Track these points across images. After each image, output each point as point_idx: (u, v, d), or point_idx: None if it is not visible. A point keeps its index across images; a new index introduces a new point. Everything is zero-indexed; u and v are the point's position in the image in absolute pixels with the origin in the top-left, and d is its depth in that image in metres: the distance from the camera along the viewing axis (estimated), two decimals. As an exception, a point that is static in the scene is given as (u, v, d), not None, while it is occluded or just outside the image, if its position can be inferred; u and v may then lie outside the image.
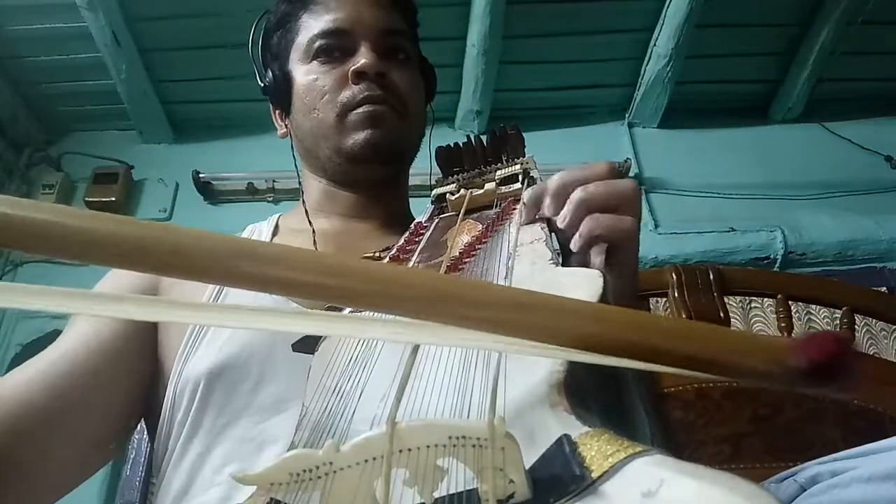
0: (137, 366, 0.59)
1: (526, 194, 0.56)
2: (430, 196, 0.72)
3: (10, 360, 1.88)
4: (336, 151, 0.69)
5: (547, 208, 0.52)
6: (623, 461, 0.24)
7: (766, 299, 1.67)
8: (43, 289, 0.25)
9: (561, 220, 0.50)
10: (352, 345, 0.44)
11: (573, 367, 0.31)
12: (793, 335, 1.19)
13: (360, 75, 0.67)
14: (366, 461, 0.27)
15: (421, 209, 0.72)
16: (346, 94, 0.68)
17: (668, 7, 2.03)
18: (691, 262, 1.99)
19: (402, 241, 0.61)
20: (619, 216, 0.49)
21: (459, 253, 0.53)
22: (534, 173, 0.65)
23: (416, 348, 0.33)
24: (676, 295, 1.13)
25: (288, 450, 0.29)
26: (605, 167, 0.51)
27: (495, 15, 1.99)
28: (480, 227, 0.58)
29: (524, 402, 0.30)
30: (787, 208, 2.16)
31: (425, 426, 0.27)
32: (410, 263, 0.55)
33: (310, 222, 0.71)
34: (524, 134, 0.70)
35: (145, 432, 0.87)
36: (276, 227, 0.73)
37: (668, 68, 2.14)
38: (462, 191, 0.67)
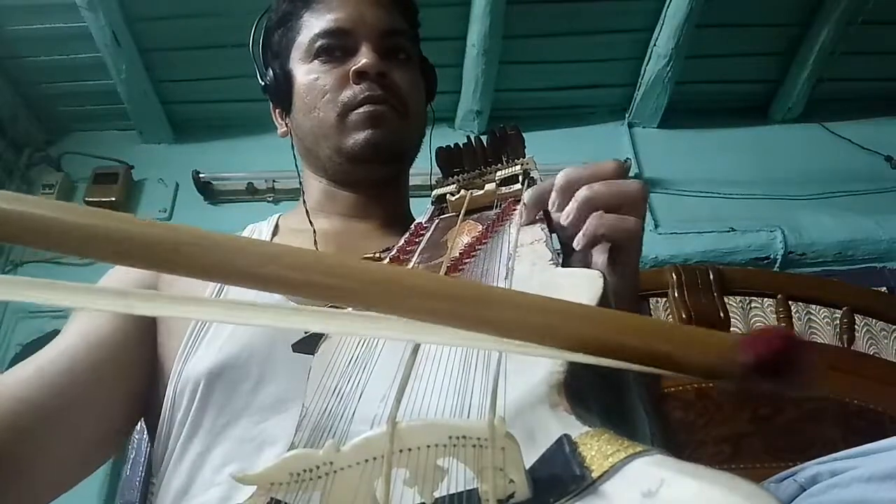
0: (137, 364, 0.59)
1: (527, 195, 0.56)
2: (430, 196, 0.72)
3: (10, 360, 1.89)
4: (336, 151, 0.69)
5: (551, 204, 0.52)
6: (623, 461, 0.24)
7: (766, 299, 1.67)
8: (47, 282, 0.25)
9: (565, 218, 0.50)
10: (352, 345, 0.44)
11: (573, 367, 0.31)
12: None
13: (361, 75, 0.67)
14: (366, 461, 0.27)
15: (421, 209, 0.72)
16: (346, 94, 0.68)
17: (668, 7, 2.03)
18: (691, 262, 1.99)
19: (402, 241, 0.61)
20: (623, 216, 0.49)
21: (460, 253, 0.53)
22: (534, 174, 0.65)
23: (416, 348, 0.33)
24: (676, 295, 1.13)
25: (288, 450, 0.29)
26: (613, 166, 0.51)
27: (495, 15, 1.99)
28: (481, 227, 0.58)
29: (524, 402, 0.30)
30: (787, 208, 2.16)
31: (425, 426, 0.27)
32: (410, 264, 0.55)
33: (310, 222, 0.71)
34: (524, 134, 0.70)
35: (145, 432, 0.87)
36: (277, 227, 0.73)
37: (668, 68, 2.14)
38: (462, 191, 0.67)
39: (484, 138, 0.72)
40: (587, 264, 0.52)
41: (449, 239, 0.57)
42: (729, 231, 2.10)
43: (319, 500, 0.27)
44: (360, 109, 0.67)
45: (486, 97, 2.22)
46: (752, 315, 1.82)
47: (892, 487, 0.40)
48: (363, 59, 0.67)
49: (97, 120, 2.33)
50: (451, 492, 0.26)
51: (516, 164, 0.67)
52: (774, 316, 1.19)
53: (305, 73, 0.71)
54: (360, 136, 0.67)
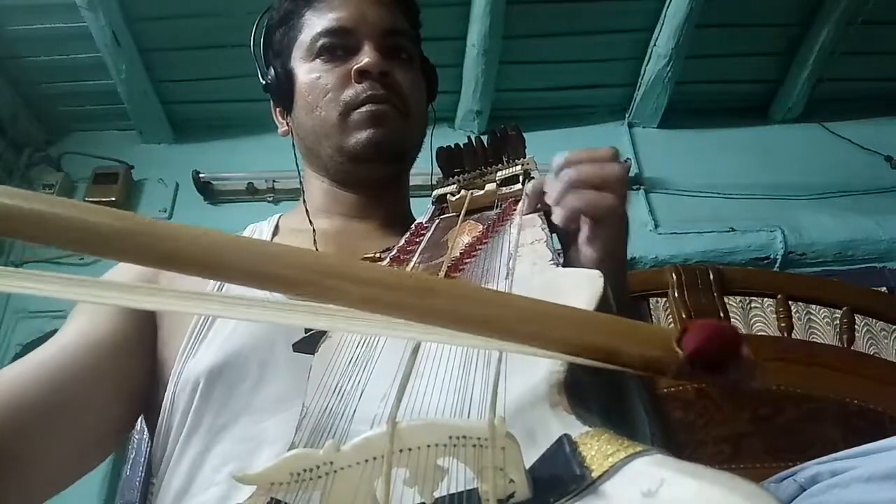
0: (136, 362, 0.59)
1: (528, 186, 0.57)
2: (430, 196, 0.72)
3: (10, 360, 1.89)
4: (338, 150, 0.69)
5: (546, 185, 0.55)
6: (623, 461, 0.24)
7: (766, 299, 1.67)
8: (50, 275, 0.25)
9: (550, 197, 0.53)
10: (352, 345, 0.44)
11: (573, 367, 0.31)
12: (793, 335, 1.19)
13: (363, 74, 0.67)
14: (366, 461, 0.27)
15: (421, 209, 0.72)
16: (348, 93, 0.68)
17: (668, 7, 2.03)
18: (691, 262, 1.99)
19: (402, 241, 0.61)
20: (601, 193, 0.51)
21: (460, 253, 0.53)
22: (534, 174, 0.65)
23: (416, 348, 0.33)
24: (676, 295, 1.13)
25: (288, 450, 0.29)
26: (607, 152, 0.54)
27: (495, 15, 1.99)
28: (481, 227, 0.59)
29: (524, 402, 0.30)
30: (787, 208, 2.16)
31: (426, 426, 0.27)
32: (411, 264, 0.55)
33: (310, 222, 0.71)
34: (524, 134, 0.70)
35: (145, 432, 0.87)
36: (277, 227, 0.73)
37: (668, 68, 2.14)
38: (463, 191, 0.67)
39: (484, 138, 0.72)
40: (568, 240, 0.55)
41: (449, 239, 0.57)
42: (729, 231, 2.10)
43: (319, 499, 0.27)
44: (362, 109, 0.67)
45: (486, 97, 2.22)
46: (752, 315, 1.82)
47: (891, 487, 0.40)
48: (365, 58, 0.67)
49: (97, 120, 2.33)
50: (451, 491, 0.26)
51: (517, 165, 0.67)
52: (774, 316, 1.19)
53: (307, 71, 0.71)
54: (361, 136, 0.67)
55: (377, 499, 0.26)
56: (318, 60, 0.70)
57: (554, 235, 0.54)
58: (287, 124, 0.76)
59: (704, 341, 0.24)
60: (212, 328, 0.58)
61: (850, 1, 2.05)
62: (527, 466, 0.26)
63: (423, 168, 0.76)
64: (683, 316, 1.10)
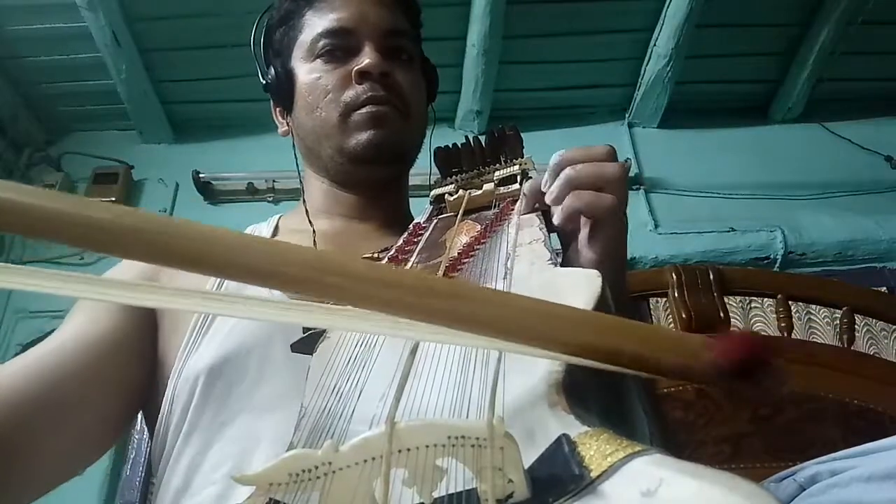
0: (136, 360, 0.59)
1: (526, 185, 0.57)
2: (429, 196, 0.72)
3: (9, 359, 1.88)
4: (338, 151, 0.69)
5: (544, 185, 0.55)
6: (622, 460, 0.24)
7: (766, 299, 1.67)
8: (50, 272, 0.25)
9: (549, 196, 0.53)
10: (351, 344, 0.44)
11: (572, 366, 0.31)
12: (793, 335, 1.19)
13: (363, 75, 0.67)
14: (365, 461, 0.27)
15: (421, 209, 0.72)
16: (349, 94, 0.68)
17: (668, 7, 2.03)
18: (691, 262, 1.99)
19: (400, 241, 0.61)
20: (600, 194, 0.51)
21: (458, 253, 0.53)
22: (532, 174, 0.65)
23: (415, 348, 0.33)
24: (676, 295, 1.13)
25: (287, 450, 0.29)
26: (604, 150, 0.54)
27: (495, 15, 1.99)
28: (479, 227, 0.59)
29: (523, 402, 0.30)
30: (787, 208, 2.16)
31: (424, 426, 0.27)
32: (409, 264, 0.55)
33: (310, 222, 0.70)
34: (524, 134, 0.70)
35: (145, 432, 0.87)
36: (277, 227, 0.73)
37: (668, 68, 2.14)
38: (460, 191, 0.67)
39: (482, 138, 0.72)
40: (568, 241, 0.55)
41: (447, 239, 0.57)
42: (729, 231, 2.10)
43: (318, 500, 0.26)
44: (363, 110, 0.67)
45: (486, 97, 2.22)
46: (752, 315, 1.82)
47: (891, 487, 0.40)
48: (366, 59, 0.67)
49: (97, 120, 2.33)
50: (450, 492, 0.26)
51: (514, 164, 0.67)
52: (774, 316, 1.19)
53: (307, 72, 0.70)
54: (362, 137, 0.67)
55: (376, 499, 0.26)
56: (318, 61, 0.70)
57: (553, 235, 0.54)
58: (287, 124, 0.76)
59: (736, 350, 0.24)
60: (211, 328, 0.58)
61: (850, 1, 2.05)
62: (525, 466, 0.25)
63: (423, 168, 0.76)
64: (683, 316, 1.10)
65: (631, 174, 2.20)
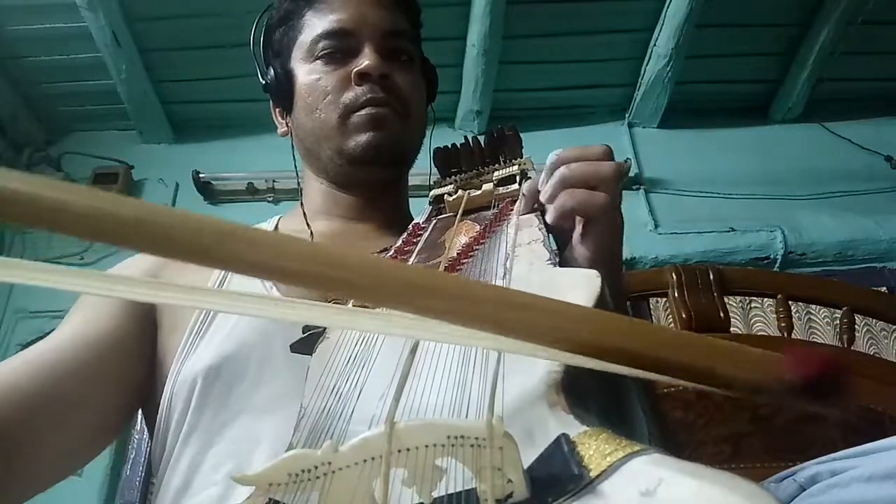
0: (136, 359, 0.59)
1: (525, 186, 0.58)
2: (428, 196, 0.72)
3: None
4: (338, 153, 0.69)
5: (540, 184, 0.55)
6: (621, 460, 0.24)
7: (766, 299, 1.67)
8: (49, 266, 0.25)
9: (543, 195, 0.54)
10: (350, 344, 0.44)
11: (571, 366, 0.31)
12: (793, 335, 1.19)
13: (363, 77, 0.67)
14: (364, 461, 0.27)
15: (420, 209, 0.72)
16: (348, 96, 0.67)
17: (668, 7, 2.03)
18: (691, 262, 1.99)
19: (399, 241, 0.61)
20: (593, 192, 0.52)
21: (457, 254, 0.53)
22: (531, 174, 0.65)
23: (414, 347, 0.33)
24: (676, 295, 1.13)
25: (286, 450, 0.29)
26: (601, 150, 0.54)
27: (495, 15, 1.99)
28: (478, 227, 0.59)
29: (522, 402, 0.30)
30: (787, 208, 2.16)
31: (424, 426, 0.27)
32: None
33: (307, 224, 0.70)
34: (524, 134, 0.70)
35: (145, 432, 0.87)
36: (276, 229, 0.73)
37: (668, 68, 2.14)
38: (460, 192, 0.67)
39: (482, 139, 0.72)
40: (565, 239, 0.56)
41: (447, 239, 0.57)
42: (729, 231, 2.10)
43: (318, 500, 0.26)
44: (362, 112, 0.67)
45: (486, 97, 2.22)
46: (752, 315, 1.82)
47: (892, 487, 0.39)
48: (365, 60, 0.67)
49: (97, 120, 2.33)
50: (449, 491, 0.26)
51: (514, 165, 0.67)
52: (774, 316, 1.19)
53: (307, 73, 0.70)
54: (361, 139, 0.67)
55: (375, 499, 0.26)
56: (317, 62, 0.70)
57: (550, 235, 0.54)
58: (287, 125, 0.76)
59: (808, 366, 0.24)
60: (210, 328, 0.58)
61: (850, 1, 2.05)
62: (525, 466, 0.25)
63: (422, 168, 0.76)
64: (683, 316, 1.10)
65: (631, 174, 2.21)
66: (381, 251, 0.64)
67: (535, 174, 0.64)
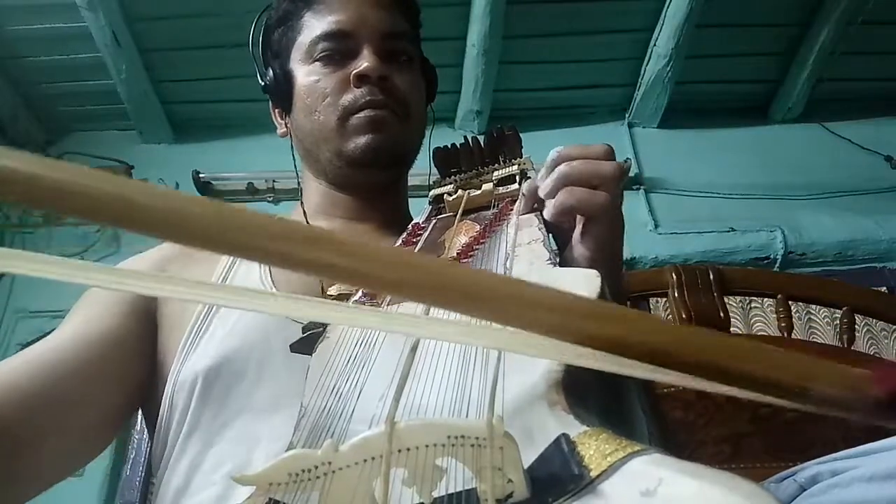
0: (136, 358, 0.59)
1: (525, 185, 0.57)
2: (428, 197, 0.72)
3: (10, 359, 1.88)
4: (337, 154, 0.69)
5: (539, 179, 0.55)
6: (622, 460, 0.24)
7: (766, 299, 1.67)
8: (50, 257, 0.25)
9: (542, 190, 0.53)
10: (350, 344, 0.44)
11: (571, 366, 0.31)
12: (793, 335, 1.19)
13: (362, 79, 0.67)
14: (365, 461, 0.27)
15: (420, 209, 0.72)
16: (347, 98, 0.67)
17: (668, 7, 2.03)
18: (691, 262, 1.99)
19: (399, 241, 0.61)
20: (593, 192, 0.51)
21: (457, 253, 0.53)
22: (531, 174, 0.65)
23: (414, 347, 0.33)
24: (676, 295, 1.13)
25: (287, 450, 0.29)
26: (602, 149, 0.54)
27: (495, 15, 1.99)
28: (478, 227, 0.59)
29: (522, 401, 0.30)
30: (787, 208, 2.16)
31: (424, 426, 0.27)
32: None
33: (307, 224, 0.70)
34: (524, 134, 0.70)
35: (145, 432, 0.87)
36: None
37: (668, 68, 2.14)
38: (459, 191, 0.67)
39: (481, 139, 0.72)
40: (565, 237, 0.56)
41: (446, 239, 0.57)
42: (729, 231, 2.10)
43: (318, 500, 0.26)
44: (361, 114, 0.67)
45: (486, 97, 2.22)
46: (753, 315, 1.82)
47: (892, 487, 0.39)
48: (364, 62, 0.67)
49: (97, 120, 2.33)
50: (449, 491, 0.26)
51: (513, 164, 0.67)
52: (774, 316, 1.19)
53: (306, 74, 0.70)
54: (360, 141, 0.67)
55: (376, 499, 0.26)
56: (316, 63, 0.70)
57: (550, 235, 0.54)
58: (286, 125, 0.76)
59: None
60: (209, 328, 0.58)
61: (850, 1, 2.05)
62: (525, 466, 0.25)
63: (422, 168, 0.76)
64: (683, 316, 1.10)
65: (631, 174, 2.21)
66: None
67: (535, 174, 0.64)
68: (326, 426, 0.36)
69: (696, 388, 0.24)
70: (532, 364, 0.32)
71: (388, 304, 0.48)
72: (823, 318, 1.82)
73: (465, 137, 0.72)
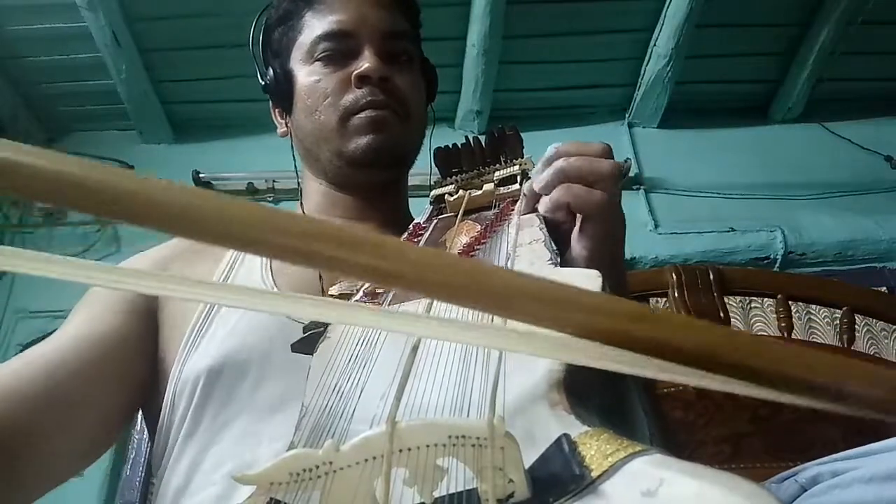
0: (138, 359, 0.59)
1: (526, 186, 0.58)
2: (429, 197, 0.72)
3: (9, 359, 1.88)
4: (337, 155, 0.69)
5: (535, 172, 0.55)
6: (623, 460, 0.24)
7: (766, 299, 1.67)
8: (50, 256, 0.25)
9: (538, 184, 0.54)
10: (351, 344, 0.44)
11: (572, 366, 0.31)
12: (793, 335, 1.19)
13: (363, 79, 0.67)
14: (366, 461, 0.27)
15: (420, 209, 0.71)
16: (348, 98, 0.67)
17: (668, 7, 2.03)
18: (691, 262, 1.99)
19: (400, 241, 0.61)
20: (590, 189, 0.51)
21: (458, 253, 0.53)
22: (532, 174, 0.65)
23: (415, 347, 0.33)
24: (676, 295, 1.13)
25: (288, 449, 0.29)
26: (600, 147, 0.54)
27: (495, 15, 1.99)
28: (479, 227, 0.59)
29: (524, 401, 0.30)
30: (787, 208, 2.16)
31: (425, 426, 0.27)
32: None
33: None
34: (524, 134, 0.70)
35: (145, 432, 0.87)
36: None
37: (668, 68, 2.14)
38: (460, 192, 0.67)
39: (482, 138, 0.72)
40: (560, 232, 0.55)
41: (447, 239, 0.57)
42: (729, 231, 2.10)
43: (319, 499, 0.26)
44: (362, 114, 0.67)
45: (486, 97, 2.22)
46: (752, 315, 1.82)
47: (893, 488, 0.39)
48: (365, 63, 0.67)
49: (97, 120, 2.33)
50: (450, 491, 0.26)
51: (514, 165, 0.67)
52: (774, 316, 1.19)
53: (307, 74, 0.70)
54: (361, 141, 0.67)
55: (377, 499, 0.26)
56: (317, 63, 0.70)
57: (551, 238, 0.54)
58: (286, 125, 0.76)
59: None
60: (210, 328, 0.58)
61: (850, 1, 2.05)
62: (526, 466, 0.25)
63: (423, 168, 0.76)
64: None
65: (631, 174, 2.20)
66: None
67: (536, 174, 0.64)
68: (327, 426, 0.36)
69: (730, 392, 0.24)
70: (533, 364, 0.32)
71: (389, 304, 0.48)
72: (823, 318, 1.82)
73: (467, 137, 0.72)
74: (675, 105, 2.27)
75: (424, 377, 0.35)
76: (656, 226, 2.12)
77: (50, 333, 0.58)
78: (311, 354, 0.45)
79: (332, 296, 0.59)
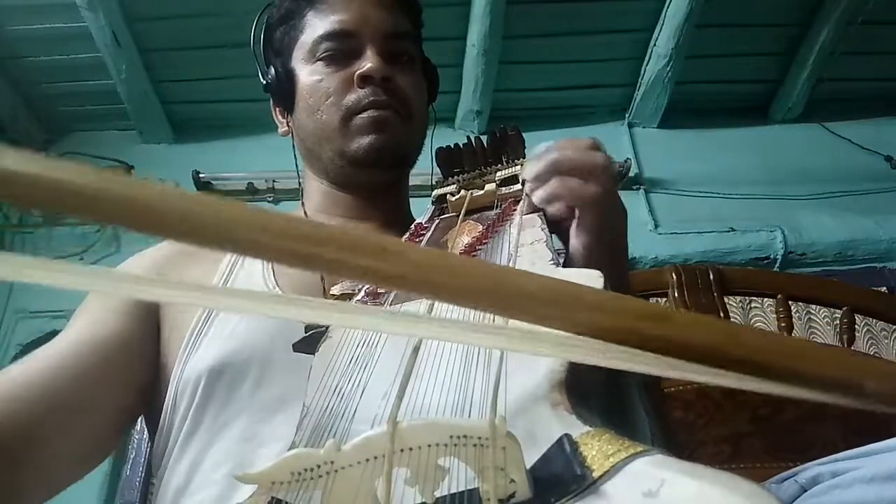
0: (140, 361, 0.59)
1: (528, 185, 0.57)
2: (430, 196, 0.72)
3: (10, 360, 1.89)
4: (339, 154, 0.69)
5: (527, 163, 0.56)
6: (624, 461, 0.24)
7: (766, 299, 1.67)
8: (50, 262, 0.25)
9: (530, 173, 0.54)
10: (353, 344, 0.44)
11: (574, 366, 0.31)
12: (793, 335, 1.19)
13: (365, 79, 0.67)
14: (367, 460, 0.27)
15: (422, 209, 0.72)
16: (350, 98, 0.67)
17: (668, 7, 2.03)
18: (691, 262, 1.99)
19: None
20: (584, 182, 0.52)
21: (460, 254, 0.53)
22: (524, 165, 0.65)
23: (417, 347, 0.33)
24: (676, 295, 1.13)
25: (289, 449, 0.29)
26: (589, 141, 0.55)
27: (495, 15, 1.99)
28: (481, 227, 0.59)
29: (525, 401, 0.30)
30: (787, 208, 2.16)
31: (426, 425, 0.27)
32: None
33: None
34: (524, 134, 0.70)
35: (145, 432, 0.87)
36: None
37: (668, 68, 2.14)
38: (462, 192, 0.67)
39: (484, 138, 0.72)
40: (558, 226, 0.56)
41: (449, 239, 0.57)
42: (729, 231, 2.10)
43: (320, 499, 0.27)
44: (364, 114, 0.67)
45: (486, 97, 2.22)
46: (752, 315, 1.82)
47: (893, 488, 0.39)
48: (368, 63, 0.67)
49: (97, 120, 2.33)
50: (452, 491, 0.26)
51: (516, 165, 0.67)
52: (774, 316, 1.19)
53: (309, 73, 0.70)
54: (363, 141, 0.67)
55: (378, 498, 0.26)
56: (319, 63, 0.70)
57: (553, 236, 0.54)
58: (287, 124, 0.76)
59: None
60: (210, 329, 0.58)
61: (850, 1, 2.05)
62: (527, 466, 0.26)
63: (424, 168, 0.76)
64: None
65: (631, 174, 2.21)
66: (383, 251, 0.64)
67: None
68: (329, 426, 0.36)
69: (747, 389, 0.24)
70: (535, 364, 0.32)
71: (390, 303, 0.48)
72: (823, 318, 1.82)
73: (468, 137, 0.72)
74: (675, 105, 2.27)
75: (426, 377, 0.35)
76: (656, 226, 2.12)
77: (50, 333, 0.58)
78: (313, 354, 0.45)
79: (333, 296, 0.59)
